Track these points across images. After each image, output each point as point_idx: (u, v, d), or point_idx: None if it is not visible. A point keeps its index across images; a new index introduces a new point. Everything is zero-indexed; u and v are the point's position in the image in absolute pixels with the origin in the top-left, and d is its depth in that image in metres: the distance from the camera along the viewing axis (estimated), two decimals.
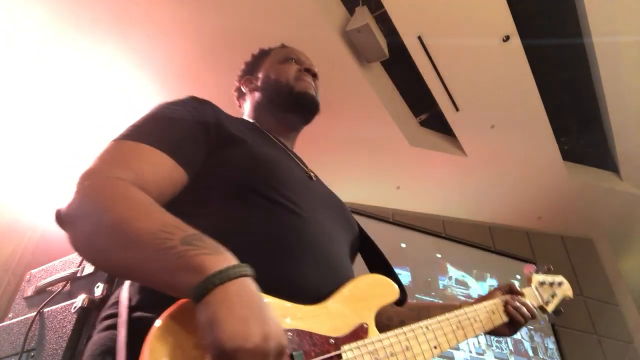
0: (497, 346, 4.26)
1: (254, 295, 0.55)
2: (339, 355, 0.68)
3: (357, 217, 1.09)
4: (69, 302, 1.36)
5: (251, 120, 1.14)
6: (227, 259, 0.57)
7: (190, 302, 0.55)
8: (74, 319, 1.30)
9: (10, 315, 1.66)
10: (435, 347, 0.81)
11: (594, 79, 4.13)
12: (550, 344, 4.76)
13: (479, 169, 4.83)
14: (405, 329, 0.80)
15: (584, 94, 4.34)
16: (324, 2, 3.27)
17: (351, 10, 3.41)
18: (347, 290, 0.79)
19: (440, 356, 0.87)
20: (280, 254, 0.77)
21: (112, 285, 1.35)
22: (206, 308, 0.52)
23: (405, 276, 4.28)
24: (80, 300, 1.30)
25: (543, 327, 4.79)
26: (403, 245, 4.52)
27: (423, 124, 4.60)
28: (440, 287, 4.49)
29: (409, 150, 4.40)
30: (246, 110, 1.20)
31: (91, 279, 1.41)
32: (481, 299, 1.04)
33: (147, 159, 0.75)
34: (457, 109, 4.14)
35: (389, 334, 0.76)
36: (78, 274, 1.47)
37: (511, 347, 4.40)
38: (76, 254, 1.56)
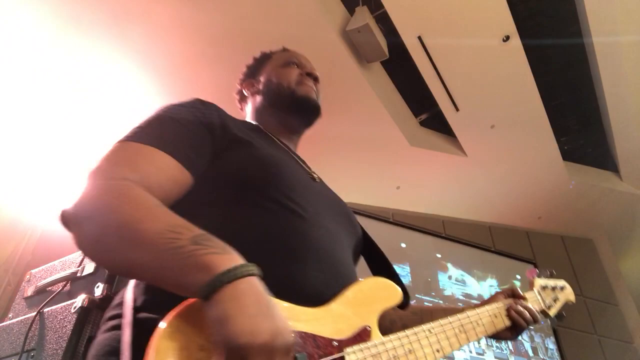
0: (497, 346, 4.27)
1: (262, 293, 0.56)
2: (342, 358, 0.68)
3: (357, 217, 1.09)
4: (69, 302, 1.36)
5: (254, 123, 1.15)
6: (235, 259, 0.59)
7: (195, 303, 0.56)
8: (74, 319, 1.29)
9: (10, 315, 1.66)
10: (437, 351, 0.82)
11: (594, 79, 4.13)
12: (551, 344, 4.77)
13: (479, 169, 4.83)
14: (409, 332, 0.80)
15: (584, 94, 4.34)
16: (324, 2, 3.26)
17: (351, 10, 3.40)
18: (350, 293, 0.79)
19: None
20: (284, 256, 0.77)
21: (112, 285, 1.34)
22: (216, 306, 0.53)
23: (404, 274, 4.28)
24: (80, 300, 1.29)
25: (543, 328, 4.80)
26: (403, 245, 4.53)
27: (423, 124, 4.60)
28: (440, 286, 4.50)
29: (409, 150, 4.39)
30: (248, 113, 1.21)
31: (91, 279, 1.40)
32: (484, 302, 1.04)
33: (152, 161, 0.75)
34: (457, 109, 4.14)
35: (392, 337, 0.77)
36: (78, 274, 1.46)
37: (511, 347, 4.40)
38: (76, 254, 1.57)
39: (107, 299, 1.30)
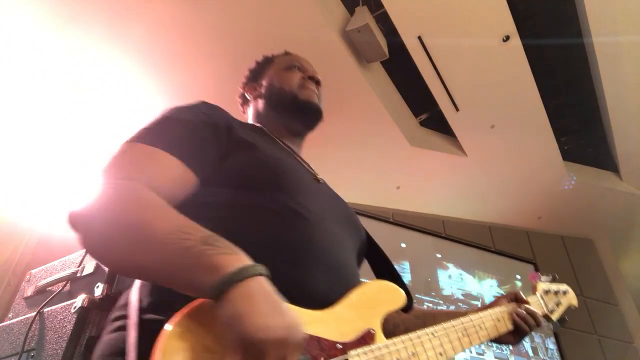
0: (497, 346, 4.27)
1: (271, 292, 0.58)
2: None
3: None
4: (69, 302, 1.35)
5: (258, 125, 1.15)
6: (244, 259, 0.60)
7: (201, 304, 0.57)
8: (74, 319, 1.29)
9: (10, 315, 1.66)
10: (441, 354, 0.82)
11: (594, 79, 4.12)
12: (551, 344, 4.77)
13: (479, 168, 4.83)
14: (412, 335, 0.80)
15: (584, 94, 4.34)
16: (324, 2, 3.26)
17: (351, 10, 3.40)
18: (354, 296, 0.80)
19: None
20: (288, 259, 0.77)
21: (112, 285, 1.34)
22: (228, 305, 0.54)
23: (405, 272, 4.28)
24: (80, 300, 1.29)
25: (543, 328, 4.79)
26: (403, 245, 4.52)
27: (423, 124, 4.60)
28: (440, 286, 4.50)
29: (409, 150, 4.39)
30: (250, 117, 1.22)
31: (91, 279, 1.40)
32: (487, 306, 1.04)
33: (158, 162, 0.76)
34: (457, 109, 4.14)
35: (396, 340, 0.77)
36: (78, 274, 1.46)
37: (511, 347, 4.40)
38: (76, 254, 1.56)
39: (107, 299, 1.30)
